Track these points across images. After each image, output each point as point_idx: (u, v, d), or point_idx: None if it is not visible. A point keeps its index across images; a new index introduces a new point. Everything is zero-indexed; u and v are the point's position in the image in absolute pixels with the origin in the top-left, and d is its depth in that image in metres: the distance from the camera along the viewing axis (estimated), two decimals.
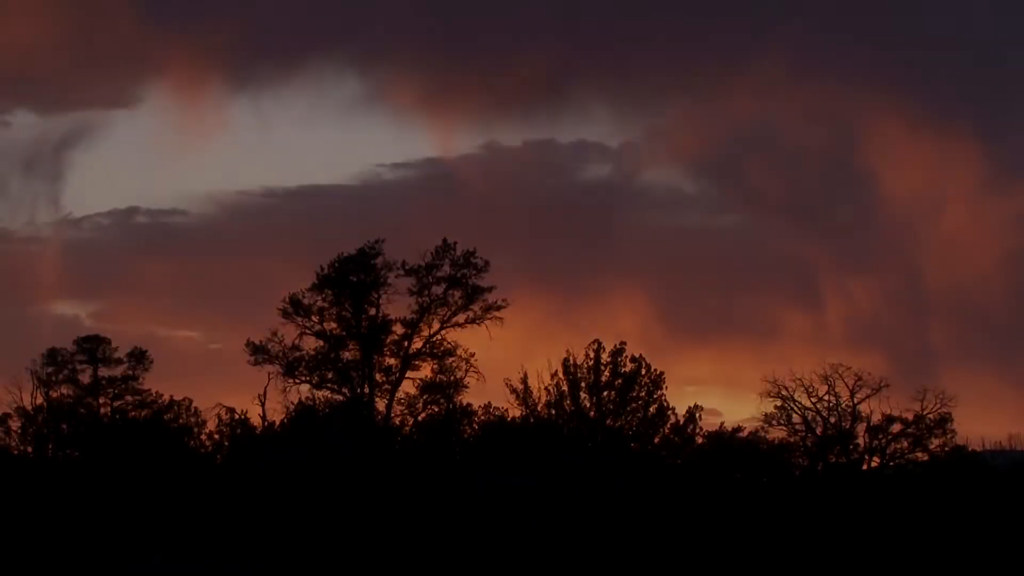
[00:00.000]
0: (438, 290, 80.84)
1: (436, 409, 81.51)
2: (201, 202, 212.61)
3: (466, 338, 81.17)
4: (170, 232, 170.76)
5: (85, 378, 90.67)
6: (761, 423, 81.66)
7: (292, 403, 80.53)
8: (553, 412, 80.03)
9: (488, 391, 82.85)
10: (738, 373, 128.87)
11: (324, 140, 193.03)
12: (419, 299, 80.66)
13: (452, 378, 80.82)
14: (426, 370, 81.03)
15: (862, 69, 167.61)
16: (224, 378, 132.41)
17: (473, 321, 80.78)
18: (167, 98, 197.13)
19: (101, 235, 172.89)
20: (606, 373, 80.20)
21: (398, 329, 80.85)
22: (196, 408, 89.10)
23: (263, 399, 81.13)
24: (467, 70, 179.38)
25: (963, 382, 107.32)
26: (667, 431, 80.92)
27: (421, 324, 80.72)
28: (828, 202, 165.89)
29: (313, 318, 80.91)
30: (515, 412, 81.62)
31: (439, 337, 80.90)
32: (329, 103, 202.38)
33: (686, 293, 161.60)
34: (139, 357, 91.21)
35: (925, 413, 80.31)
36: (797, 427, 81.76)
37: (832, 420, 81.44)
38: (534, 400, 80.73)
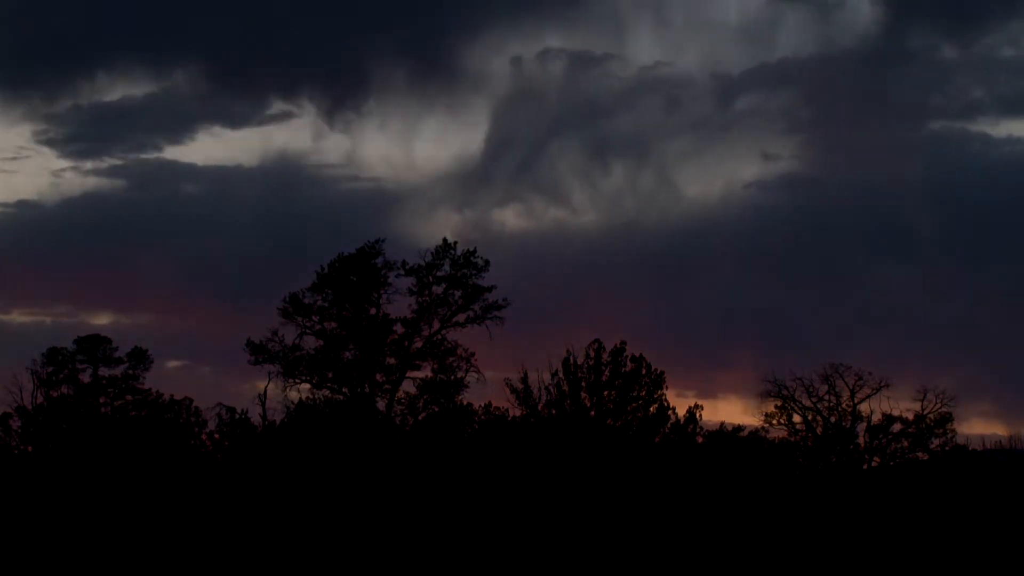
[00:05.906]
0: (438, 290, 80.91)
1: (436, 409, 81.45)
2: None
3: (466, 338, 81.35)
4: None
5: (85, 378, 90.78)
6: (761, 423, 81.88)
7: (292, 403, 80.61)
8: (553, 412, 79.91)
9: (488, 391, 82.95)
10: None
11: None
12: (419, 299, 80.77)
13: (452, 378, 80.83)
14: (426, 370, 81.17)
15: None
16: None
17: (473, 321, 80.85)
18: None
19: None
20: (606, 373, 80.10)
21: (398, 329, 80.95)
22: (196, 408, 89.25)
23: (263, 399, 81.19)
24: None
25: None
26: (667, 431, 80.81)
27: (421, 324, 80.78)
28: None
29: (313, 318, 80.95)
30: (515, 412, 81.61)
31: (439, 337, 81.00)
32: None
33: None
34: (139, 357, 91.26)
35: (925, 413, 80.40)
36: (798, 427, 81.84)
37: (832, 420, 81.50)
38: (534, 400, 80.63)
